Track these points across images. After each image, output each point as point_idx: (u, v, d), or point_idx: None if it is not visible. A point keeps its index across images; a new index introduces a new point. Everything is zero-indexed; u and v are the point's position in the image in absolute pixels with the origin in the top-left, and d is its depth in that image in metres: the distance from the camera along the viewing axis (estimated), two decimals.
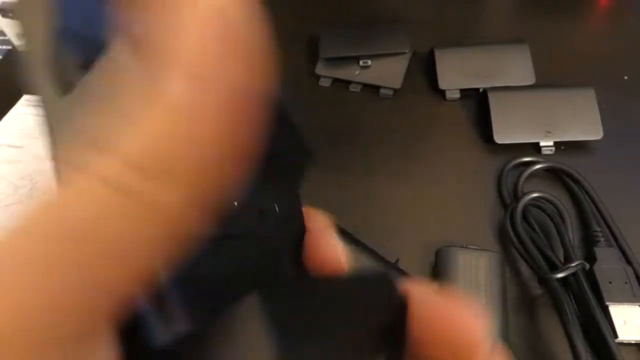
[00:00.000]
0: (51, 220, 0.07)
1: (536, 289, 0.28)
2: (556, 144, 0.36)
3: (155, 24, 0.08)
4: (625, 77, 0.41)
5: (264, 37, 0.09)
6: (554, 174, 0.35)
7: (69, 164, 0.08)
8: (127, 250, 0.08)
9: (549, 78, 0.39)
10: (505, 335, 0.25)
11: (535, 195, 0.30)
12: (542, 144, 0.36)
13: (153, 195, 0.07)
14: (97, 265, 0.07)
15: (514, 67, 0.40)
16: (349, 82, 0.41)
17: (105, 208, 0.07)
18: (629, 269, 0.28)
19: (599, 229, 0.30)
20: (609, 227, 0.30)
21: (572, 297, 0.27)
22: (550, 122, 0.36)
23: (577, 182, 0.33)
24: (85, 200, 0.07)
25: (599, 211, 0.31)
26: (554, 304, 0.26)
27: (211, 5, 0.08)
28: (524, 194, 0.31)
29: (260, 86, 0.08)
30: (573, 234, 0.30)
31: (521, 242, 0.29)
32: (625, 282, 0.27)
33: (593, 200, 0.31)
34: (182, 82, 0.07)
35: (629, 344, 0.26)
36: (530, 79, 0.39)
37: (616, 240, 0.29)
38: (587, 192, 0.32)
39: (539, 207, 0.30)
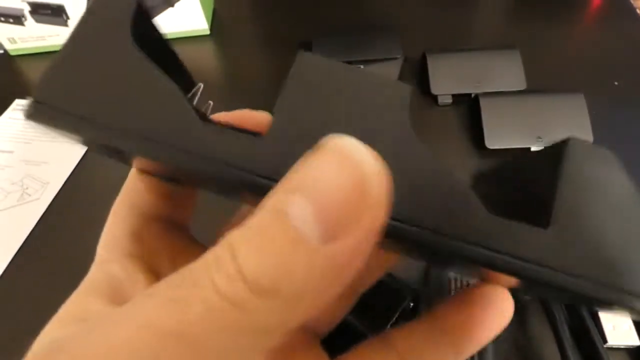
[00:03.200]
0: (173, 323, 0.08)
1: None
2: None
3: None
4: (616, 83, 0.41)
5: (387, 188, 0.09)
6: None
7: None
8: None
9: (540, 83, 0.39)
10: (495, 339, 0.25)
11: None
12: (533, 149, 0.36)
13: (257, 311, 0.08)
14: None
15: (505, 72, 0.40)
16: None
17: (218, 318, 0.08)
18: None
19: None
20: None
21: None
22: (540, 128, 0.36)
23: None
24: (202, 309, 0.08)
25: None
26: (544, 308, 0.26)
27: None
28: None
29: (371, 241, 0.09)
30: None
31: None
32: None
33: None
34: (310, 215, 0.08)
35: (618, 349, 0.26)
36: (521, 85, 0.39)
37: None
38: None
39: None
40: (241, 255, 0.08)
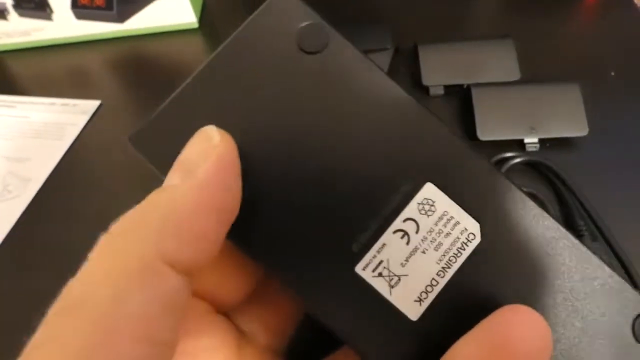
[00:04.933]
0: None
1: None
2: (541, 140, 0.35)
3: None
4: (612, 74, 0.40)
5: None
6: (537, 170, 0.34)
7: None
8: None
9: (534, 74, 0.39)
10: None
11: None
12: (526, 140, 0.35)
13: None
14: None
15: (498, 63, 0.39)
16: None
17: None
18: (615, 262, 0.27)
19: (582, 223, 0.29)
20: (593, 222, 0.29)
21: None
22: (534, 119, 0.35)
23: (558, 176, 0.32)
24: None
25: (582, 205, 0.30)
26: None
27: None
28: None
29: None
30: None
31: None
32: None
33: (575, 194, 0.31)
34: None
35: None
36: (514, 75, 0.38)
37: (602, 234, 0.28)
38: (569, 187, 0.31)
39: None
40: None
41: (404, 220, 0.13)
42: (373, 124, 0.13)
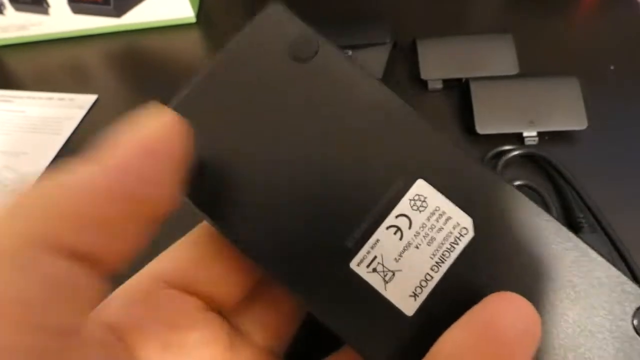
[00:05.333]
0: None
1: None
2: (540, 134, 0.35)
3: None
4: (612, 67, 0.40)
5: None
6: (536, 163, 0.34)
7: None
8: None
9: (533, 68, 0.38)
10: None
11: (517, 183, 0.29)
12: (525, 134, 0.35)
13: None
14: None
15: (497, 57, 0.39)
16: None
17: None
18: (615, 254, 0.27)
19: (581, 215, 0.29)
20: (592, 214, 0.29)
21: None
22: (533, 112, 0.35)
23: (557, 169, 0.32)
24: None
25: (581, 198, 0.30)
26: None
27: None
28: None
29: None
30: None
31: None
32: None
33: (574, 187, 0.30)
34: None
35: None
36: (513, 69, 0.38)
37: (601, 226, 0.28)
38: (567, 179, 0.31)
39: None
40: None
41: (397, 217, 0.13)
42: (363, 125, 0.14)
